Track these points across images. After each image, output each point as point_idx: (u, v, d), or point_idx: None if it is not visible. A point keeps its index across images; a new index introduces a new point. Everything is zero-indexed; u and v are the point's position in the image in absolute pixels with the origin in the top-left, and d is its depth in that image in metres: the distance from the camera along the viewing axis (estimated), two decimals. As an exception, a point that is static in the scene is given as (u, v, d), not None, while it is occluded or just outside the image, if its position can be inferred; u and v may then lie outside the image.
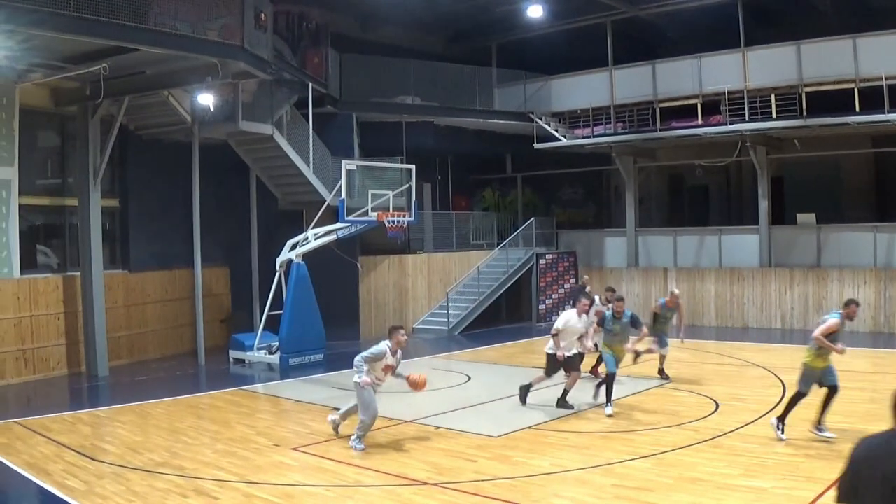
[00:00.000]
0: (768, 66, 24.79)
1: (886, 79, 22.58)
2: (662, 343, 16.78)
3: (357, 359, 11.55)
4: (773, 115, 24.60)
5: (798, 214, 26.39)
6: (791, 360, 16.22)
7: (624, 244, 29.48)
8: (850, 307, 11.76)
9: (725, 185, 30.62)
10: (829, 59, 23.67)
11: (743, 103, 24.90)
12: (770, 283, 25.79)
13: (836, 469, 9.56)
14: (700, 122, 25.93)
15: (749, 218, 27.50)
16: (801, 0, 24.96)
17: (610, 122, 27.72)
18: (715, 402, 14.17)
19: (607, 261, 30.08)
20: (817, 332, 11.43)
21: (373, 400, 11.59)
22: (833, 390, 11.44)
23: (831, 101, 23.60)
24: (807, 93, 23.90)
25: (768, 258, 26.45)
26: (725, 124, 25.31)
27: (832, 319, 11.51)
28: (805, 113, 23.97)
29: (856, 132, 24.69)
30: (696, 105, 25.89)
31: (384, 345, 11.62)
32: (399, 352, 11.87)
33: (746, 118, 24.90)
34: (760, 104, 24.79)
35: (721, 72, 25.39)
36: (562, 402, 14.12)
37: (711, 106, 25.74)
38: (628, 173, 29.07)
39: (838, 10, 24.97)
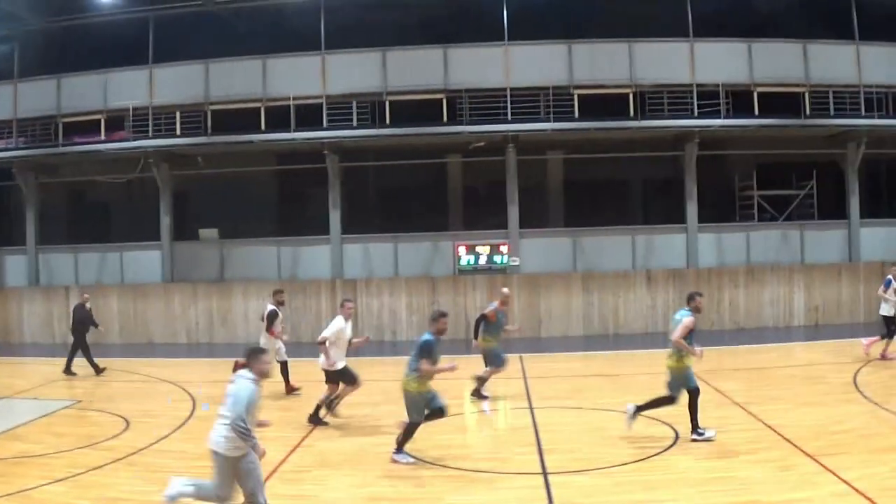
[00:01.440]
0: (173, 83, 25.42)
1: (293, 99, 24.71)
2: (500, 360, 15.40)
3: (236, 419, 7.88)
4: (178, 132, 25.22)
5: (201, 230, 27.21)
6: (199, 374, 16.66)
7: (23, 262, 27.99)
8: (695, 300, 11.84)
9: (128, 200, 30.27)
10: (238, 78, 25.48)
11: (149, 120, 25.12)
12: (174, 298, 26.19)
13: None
14: (104, 137, 25.63)
15: (152, 234, 27.56)
16: (209, 22, 25.97)
17: (12, 137, 26.26)
18: (126, 420, 14.03)
19: (7, 280, 28.29)
20: (675, 336, 11.46)
21: (256, 467, 8.23)
22: (694, 393, 11.62)
23: (238, 119, 25.11)
24: (212, 111, 25.33)
25: (171, 273, 26.86)
26: (129, 140, 25.38)
27: (686, 318, 11.57)
28: (210, 130, 25.01)
29: (261, 149, 26.37)
30: (100, 120, 25.54)
31: (250, 381, 8.10)
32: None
33: (150, 134, 25.18)
34: (165, 121, 25.23)
35: (127, 88, 25.47)
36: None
37: (118, 121, 25.60)
38: (29, 189, 27.59)
39: (250, 30, 26.41)
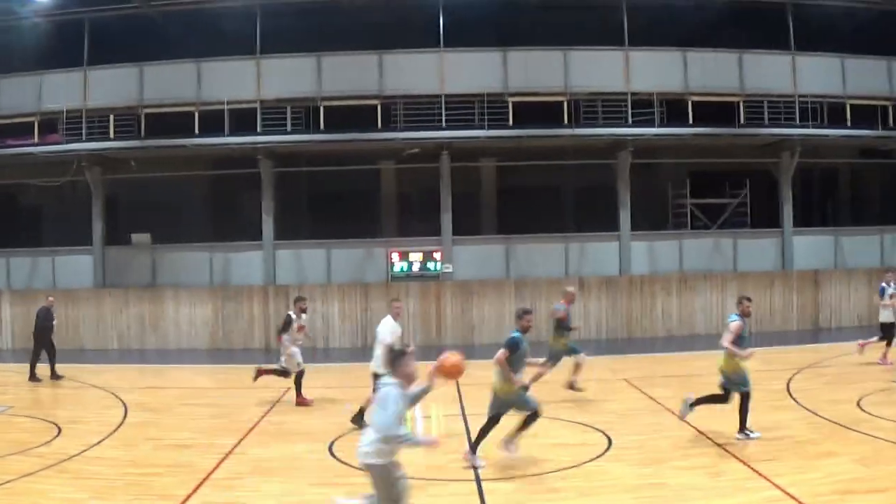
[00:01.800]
0: (107, 86, 25.23)
1: (227, 103, 24.63)
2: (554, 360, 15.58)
3: (387, 431, 7.50)
4: (111, 135, 24.91)
5: (133, 234, 26.82)
6: (129, 380, 16.38)
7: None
8: (742, 304, 12.16)
9: (60, 204, 29.73)
10: (172, 82, 25.15)
11: (82, 123, 24.89)
12: (105, 303, 25.81)
13: (179, 485, 10.07)
14: (37, 140, 25.26)
15: (84, 238, 27.11)
16: (144, 25, 25.69)
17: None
18: (57, 426, 13.81)
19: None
20: (726, 341, 11.76)
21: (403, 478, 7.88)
22: (745, 396, 11.94)
23: (171, 122, 24.92)
24: (146, 114, 25.18)
25: (102, 278, 26.44)
26: (62, 143, 25.04)
27: (734, 323, 11.87)
28: (143, 134, 24.80)
29: (194, 154, 26.09)
30: (33, 123, 25.16)
31: (394, 387, 7.59)
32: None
33: (84, 137, 24.83)
34: (99, 124, 24.99)
35: (61, 90, 25.14)
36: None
37: (51, 124, 25.32)
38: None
39: (185, 34, 26.08)
